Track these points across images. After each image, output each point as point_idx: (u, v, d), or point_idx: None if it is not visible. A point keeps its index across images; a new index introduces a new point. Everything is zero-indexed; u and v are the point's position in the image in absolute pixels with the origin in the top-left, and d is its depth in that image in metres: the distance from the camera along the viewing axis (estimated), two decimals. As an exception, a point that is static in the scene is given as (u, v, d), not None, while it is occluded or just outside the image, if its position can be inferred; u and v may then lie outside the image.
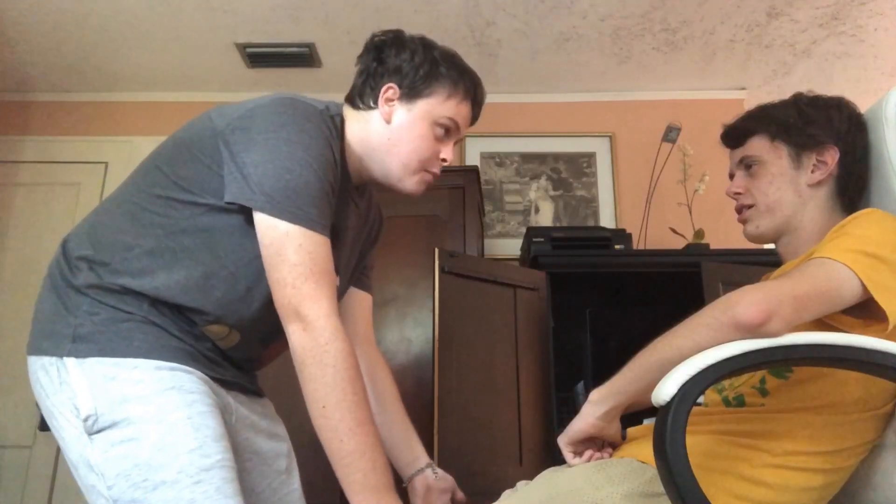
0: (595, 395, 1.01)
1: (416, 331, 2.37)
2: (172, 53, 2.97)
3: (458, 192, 2.54)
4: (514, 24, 2.76)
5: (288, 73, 3.08)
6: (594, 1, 2.63)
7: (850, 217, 1.03)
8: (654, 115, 3.15)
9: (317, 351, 1.00)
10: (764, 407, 1.00)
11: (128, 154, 3.18)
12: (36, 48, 2.92)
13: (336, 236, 1.19)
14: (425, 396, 2.04)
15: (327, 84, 3.13)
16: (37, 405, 2.86)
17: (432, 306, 2.10)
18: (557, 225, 3.09)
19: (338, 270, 1.25)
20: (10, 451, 2.78)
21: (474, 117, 1.27)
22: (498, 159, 3.20)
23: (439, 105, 1.20)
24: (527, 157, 3.21)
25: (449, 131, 1.22)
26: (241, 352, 1.17)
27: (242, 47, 2.92)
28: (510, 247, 3.05)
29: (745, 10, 2.67)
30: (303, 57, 2.96)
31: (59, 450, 2.76)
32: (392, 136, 1.19)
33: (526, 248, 2.65)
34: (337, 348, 1.01)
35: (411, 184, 1.22)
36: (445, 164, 1.24)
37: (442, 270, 2.13)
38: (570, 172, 3.19)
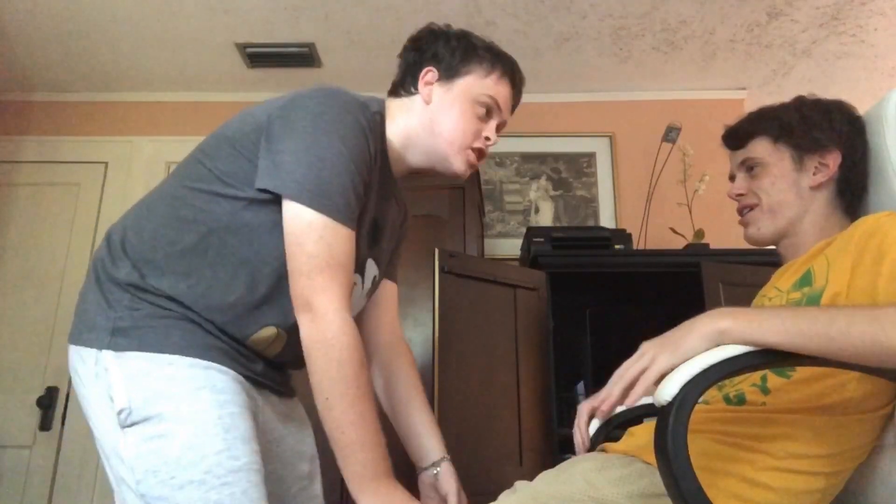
0: (727, 319, 0.84)
1: (416, 331, 2.37)
2: (172, 53, 2.97)
3: (458, 192, 2.54)
4: (514, 24, 2.76)
5: (288, 73, 3.08)
6: (594, 1, 2.63)
7: (886, 226, 0.98)
8: (654, 115, 3.15)
9: (323, 344, 1.02)
10: (765, 406, 1.00)
11: (128, 154, 3.18)
12: (36, 48, 2.92)
13: (379, 230, 1.21)
14: (425, 396, 2.04)
15: (327, 84, 3.12)
16: (37, 405, 2.86)
17: (432, 306, 2.10)
18: (557, 225, 3.09)
19: (381, 263, 1.27)
20: (10, 451, 2.78)
21: (515, 101, 1.29)
22: (498, 159, 3.20)
23: (477, 83, 1.22)
24: (527, 157, 3.21)
25: (490, 111, 1.24)
26: (283, 355, 1.17)
27: (242, 47, 2.92)
28: (510, 247, 3.05)
29: (745, 10, 2.67)
30: (303, 57, 2.96)
31: (59, 450, 2.76)
32: (433, 115, 1.21)
33: (526, 248, 2.65)
34: (343, 343, 1.02)
35: (458, 163, 1.22)
36: (489, 143, 1.25)
37: (442, 270, 2.13)
38: (570, 172, 3.19)
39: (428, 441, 1.29)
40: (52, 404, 2.80)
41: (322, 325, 1.02)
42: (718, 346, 0.84)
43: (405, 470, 1.27)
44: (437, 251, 2.14)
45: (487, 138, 1.24)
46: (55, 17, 2.71)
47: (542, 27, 2.78)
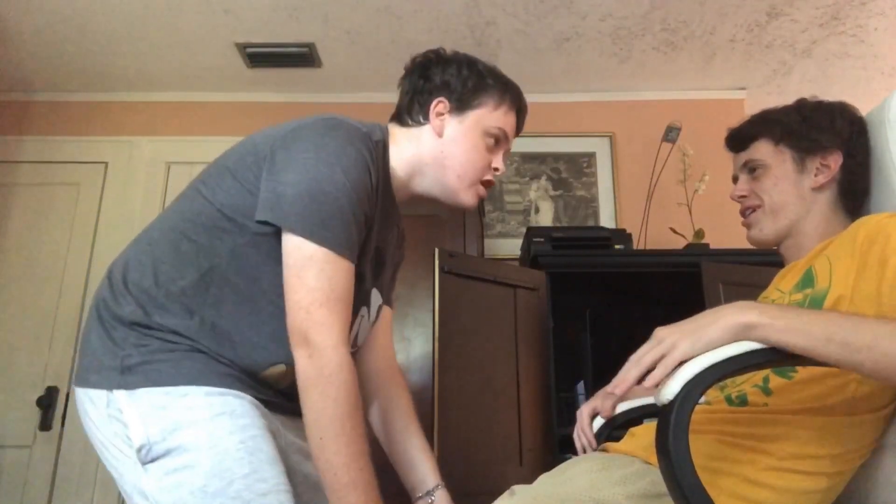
0: (753, 314, 0.82)
1: (416, 331, 2.37)
2: (172, 53, 2.97)
3: (459, 192, 2.54)
4: (514, 24, 2.76)
5: (288, 73, 3.08)
6: (594, 1, 2.63)
7: (889, 228, 0.97)
8: (654, 115, 3.15)
9: (321, 381, 1.00)
10: (767, 407, 1.00)
11: (128, 154, 3.18)
12: (36, 48, 2.91)
13: (381, 259, 1.20)
14: (425, 396, 2.04)
15: (327, 84, 3.12)
16: (37, 405, 2.83)
17: (432, 306, 2.10)
18: (557, 225, 3.09)
19: (383, 289, 1.27)
20: (10, 451, 2.77)
21: (520, 129, 1.30)
22: (498, 159, 3.19)
23: (489, 115, 1.22)
24: (527, 157, 3.21)
25: (498, 141, 1.24)
26: (292, 388, 1.14)
27: (242, 47, 2.91)
28: (510, 247, 3.05)
29: (745, 10, 2.67)
30: (303, 57, 2.96)
31: (59, 450, 2.76)
32: (445, 149, 1.20)
33: (526, 248, 2.65)
34: (341, 381, 1.00)
35: (467, 197, 1.23)
36: (497, 173, 1.25)
37: (442, 270, 2.13)
38: (570, 172, 3.19)
39: (423, 468, 1.27)
40: (52, 404, 2.80)
41: (320, 361, 1.00)
42: (741, 340, 0.83)
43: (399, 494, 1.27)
44: (437, 251, 2.14)
45: (496, 168, 1.25)
46: (55, 17, 2.71)
47: (542, 27, 2.78)
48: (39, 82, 3.18)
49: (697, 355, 0.81)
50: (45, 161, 3.16)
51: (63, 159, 3.17)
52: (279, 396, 1.15)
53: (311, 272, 1.01)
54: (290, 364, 1.08)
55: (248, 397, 1.05)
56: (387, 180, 1.20)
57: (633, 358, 0.86)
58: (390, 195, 1.22)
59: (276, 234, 1.06)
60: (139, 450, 0.99)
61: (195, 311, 1.05)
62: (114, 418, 1.01)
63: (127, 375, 1.01)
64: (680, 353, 0.81)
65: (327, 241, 1.03)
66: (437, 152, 1.20)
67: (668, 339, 0.83)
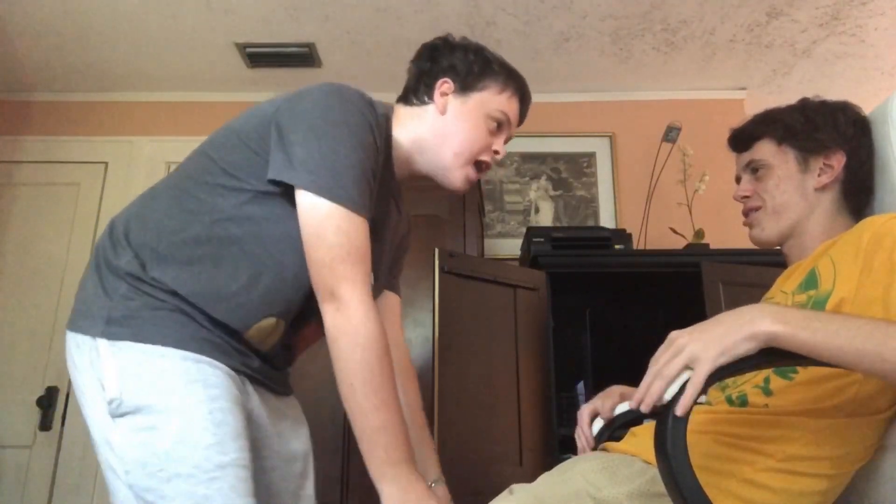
0: (777, 323, 0.79)
1: (416, 331, 2.37)
2: (172, 53, 2.97)
3: (459, 191, 2.54)
4: (514, 24, 2.76)
5: (288, 73, 3.08)
6: (594, 1, 2.63)
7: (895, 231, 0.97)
8: (654, 115, 3.15)
9: (349, 331, 1.03)
10: (767, 408, 1.00)
11: (128, 154, 3.18)
12: (36, 48, 2.91)
13: (377, 231, 1.21)
14: (425, 396, 2.02)
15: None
16: (37, 405, 2.84)
17: (432, 306, 2.10)
18: (557, 225, 3.09)
19: (377, 265, 1.27)
20: (10, 451, 2.77)
21: (522, 118, 1.33)
22: (498, 159, 3.19)
23: (492, 98, 1.25)
24: (527, 157, 3.21)
25: (501, 125, 1.27)
26: (277, 349, 1.17)
27: (242, 47, 2.92)
28: (510, 247, 3.05)
29: (745, 10, 2.67)
30: (303, 57, 2.96)
31: (59, 450, 2.76)
32: (446, 126, 1.24)
33: (526, 248, 2.65)
34: (368, 329, 1.04)
35: (458, 176, 1.26)
36: (498, 157, 1.29)
37: (442, 270, 2.13)
38: (570, 172, 3.19)
39: (425, 461, 1.30)
40: (52, 404, 2.80)
41: (347, 313, 1.03)
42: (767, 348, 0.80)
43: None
44: (437, 251, 2.14)
45: (496, 151, 1.28)
46: (55, 17, 2.71)
47: (542, 27, 2.78)
48: (39, 82, 3.18)
49: (725, 365, 0.78)
50: (45, 161, 3.16)
51: (63, 159, 3.17)
52: (264, 367, 1.16)
53: (329, 229, 1.05)
54: (281, 317, 1.12)
55: (225, 368, 1.07)
56: (388, 153, 1.23)
57: (655, 370, 0.82)
58: (390, 168, 1.25)
59: (281, 194, 1.08)
60: (110, 402, 1.01)
61: (194, 262, 1.07)
62: (94, 365, 1.04)
63: (112, 326, 1.04)
64: (708, 367, 0.78)
65: (341, 199, 1.05)
66: (438, 130, 1.24)
67: (690, 348, 0.80)
